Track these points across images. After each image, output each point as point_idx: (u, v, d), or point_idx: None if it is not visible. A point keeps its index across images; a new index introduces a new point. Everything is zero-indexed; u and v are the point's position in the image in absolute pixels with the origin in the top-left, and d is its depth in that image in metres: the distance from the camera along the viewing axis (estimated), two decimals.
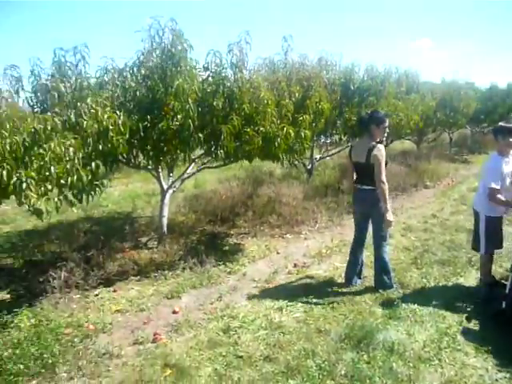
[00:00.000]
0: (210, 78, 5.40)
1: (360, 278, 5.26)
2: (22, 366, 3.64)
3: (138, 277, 5.61)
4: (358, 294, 4.94)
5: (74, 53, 5.31)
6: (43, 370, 3.65)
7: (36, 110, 5.29)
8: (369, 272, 5.30)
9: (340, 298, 4.85)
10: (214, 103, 5.25)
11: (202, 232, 7.33)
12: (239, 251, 6.48)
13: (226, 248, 6.65)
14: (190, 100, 4.97)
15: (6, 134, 3.42)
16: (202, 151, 6.10)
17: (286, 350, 3.86)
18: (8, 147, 3.42)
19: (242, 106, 5.39)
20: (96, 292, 5.20)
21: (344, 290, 5.11)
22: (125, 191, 11.47)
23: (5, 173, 3.41)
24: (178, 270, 5.66)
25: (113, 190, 10.93)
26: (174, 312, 4.67)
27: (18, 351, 3.82)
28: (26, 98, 5.29)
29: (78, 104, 4.59)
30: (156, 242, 6.68)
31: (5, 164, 3.43)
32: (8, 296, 5.28)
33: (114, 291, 5.26)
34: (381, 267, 4.99)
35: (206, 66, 5.35)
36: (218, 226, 7.63)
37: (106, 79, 5.50)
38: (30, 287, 5.38)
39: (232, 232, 7.43)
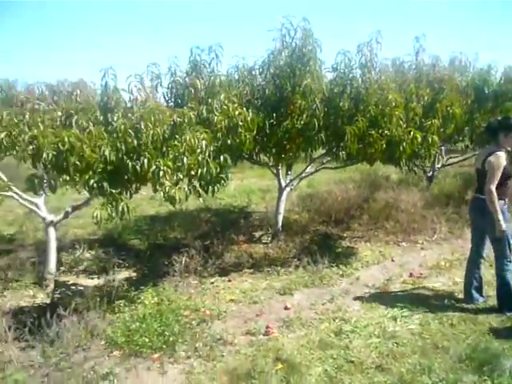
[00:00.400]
0: (337, 79, 5.36)
1: (482, 296, 4.87)
2: (146, 340, 3.95)
3: (252, 270, 5.81)
4: (481, 314, 4.57)
5: (208, 51, 5.61)
6: (164, 346, 3.92)
7: (170, 104, 5.67)
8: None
9: (460, 315, 4.54)
10: (341, 104, 5.23)
11: (314, 232, 7.34)
12: (352, 255, 6.38)
13: (339, 250, 6.58)
14: (316, 100, 5.01)
15: (151, 126, 3.72)
16: (324, 151, 6.10)
17: (399, 362, 3.72)
18: (150, 138, 3.72)
19: (368, 108, 5.29)
20: (212, 280, 5.47)
21: (465, 307, 4.77)
22: (240, 186, 11.87)
23: (146, 161, 3.72)
24: (291, 267, 5.73)
25: (229, 184, 11.35)
26: (286, 308, 4.74)
27: (143, 325, 4.15)
28: (163, 93, 5.72)
29: (209, 100, 4.86)
30: (269, 238, 6.83)
31: (146, 153, 3.74)
32: (134, 274, 5.77)
33: (229, 281, 5.49)
34: (502, 286, 4.57)
35: (334, 66, 5.34)
36: (332, 227, 7.58)
37: (236, 77, 5.74)
38: (153, 268, 5.84)
39: (345, 235, 7.34)
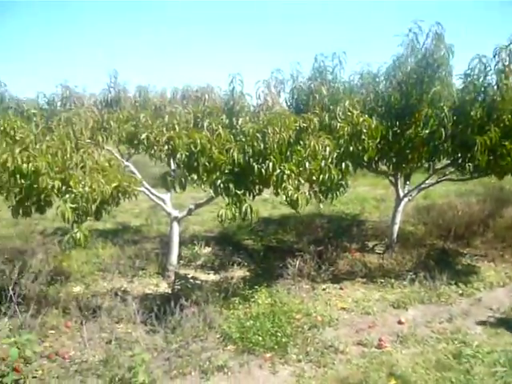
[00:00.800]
0: (469, 85, 5.05)
1: None
2: (259, 338, 4.08)
3: (365, 279, 5.70)
4: None
5: (332, 58, 5.63)
6: (276, 347, 4.01)
7: (291, 109, 5.77)
8: None
9: None
10: (472, 112, 4.91)
11: (431, 246, 6.97)
12: (473, 273, 5.95)
13: (459, 268, 6.18)
14: (445, 108, 4.77)
15: (277, 130, 3.83)
16: (447, 162, 5.78)
17: None
18: (276, 142, 3.83)
19: (503, 117, 4.91)
20: (324, 286, 5.46)
21: None
22: (352, 193, 11.63)
23: (271, 164, 3.84)
24: (406, 280, 5.50)
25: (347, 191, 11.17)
26: (400, 322, 4.59)
27: (257, 324, 4.28)
28: (285, 98, 5.86)
29: (331, 107, 4.87)
30: (383, 248, 6.65)
31: (272, 157, 3.85)
32: (248, 273, 5.95)
33: (341, 289, 5.44)
34: None
35: (468, 72, 5.02)
36: (450, 242, 7.13)
37: (359, 84, 5.68)
38: (267, 269, 5.97)
39: (465, 251, 6.87)
